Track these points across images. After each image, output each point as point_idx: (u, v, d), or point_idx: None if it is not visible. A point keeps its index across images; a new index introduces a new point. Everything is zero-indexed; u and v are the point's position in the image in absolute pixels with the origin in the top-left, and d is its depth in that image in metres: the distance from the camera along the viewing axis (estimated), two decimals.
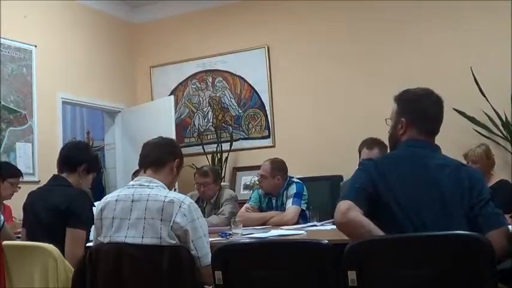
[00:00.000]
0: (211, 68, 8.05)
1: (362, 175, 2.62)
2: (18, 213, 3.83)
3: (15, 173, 5.30)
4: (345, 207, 2.46)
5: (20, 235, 3.81)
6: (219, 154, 7.63)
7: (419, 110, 2.70)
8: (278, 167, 5.16)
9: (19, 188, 5.19)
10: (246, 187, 7.53)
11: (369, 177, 2.57)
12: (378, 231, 2.41)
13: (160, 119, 7.61)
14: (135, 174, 5.03)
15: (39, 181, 5.93)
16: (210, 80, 8.06)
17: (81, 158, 3.63)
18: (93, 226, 3.16)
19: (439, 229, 2.39)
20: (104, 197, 3.07)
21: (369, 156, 4.75)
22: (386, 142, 4.70)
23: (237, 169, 7.80)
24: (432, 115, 2.71)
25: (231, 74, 7.92)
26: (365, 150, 4.80)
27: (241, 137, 7.80)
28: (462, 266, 2.18)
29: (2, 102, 6.31)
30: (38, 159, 6.63)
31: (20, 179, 5.29)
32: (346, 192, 2.58)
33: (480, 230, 2.34)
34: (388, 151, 3.02)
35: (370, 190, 2.53)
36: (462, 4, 6.46)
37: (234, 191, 6.23)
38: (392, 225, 2.46)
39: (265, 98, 7.65)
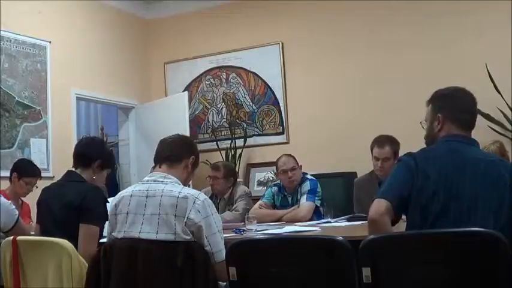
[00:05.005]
0: (225, 64, 8.05)
1: (401, 172, 2.64)
2: (35, 212, 3.82)
3: (32, 172, 5.23)
4: (383, 208, 2.54)
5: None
6: (232, 150, 7.62)
7: (455, 103, 2.73)
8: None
9: (36, 187, 5.06)
10: (260, 183, 7.52)
11: (408, 176, 2.59)
12: None
13: (174, 115, 7.61)
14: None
15: (54, 177, 5.95)
16: (224, 76, 8.05)
17: (96, 154, 3.63)
18: (107, 222, 3.16)
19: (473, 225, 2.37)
20: (119, 193, 3.07)
21: (380, 154, 4.74)
22: (400, 139, 4.75)
23: (250, 165, 7.79)
24: (467, 108, 2.74)
25: (245, 70, 7.91)
26: (376, 148, 4.78)
27: (255, 133, 7.79)
28: (479, 264, 2.16)
29: (17, 98, 6.33)
30: (52, 155, 6.65)
31: (38, 180, 5.21)
32: (386, 188, 2.63)
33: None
34: None
35: (405, 194, 2.56)
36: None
37: (248, 187, 6.23)
38: (429, 218, 2.49)
39: (279, 94, 7.64)
